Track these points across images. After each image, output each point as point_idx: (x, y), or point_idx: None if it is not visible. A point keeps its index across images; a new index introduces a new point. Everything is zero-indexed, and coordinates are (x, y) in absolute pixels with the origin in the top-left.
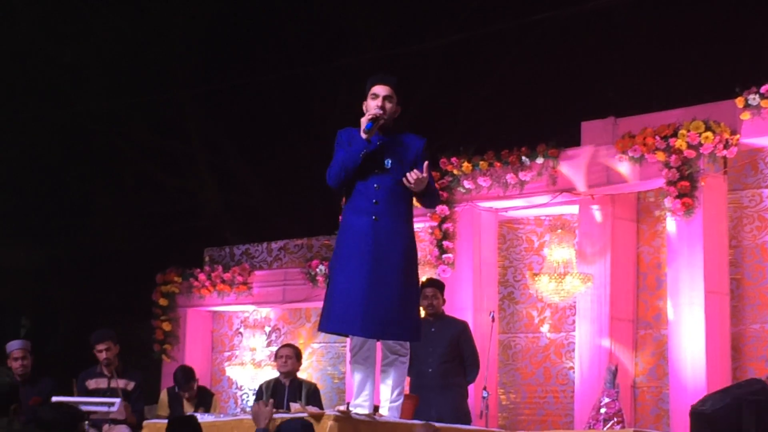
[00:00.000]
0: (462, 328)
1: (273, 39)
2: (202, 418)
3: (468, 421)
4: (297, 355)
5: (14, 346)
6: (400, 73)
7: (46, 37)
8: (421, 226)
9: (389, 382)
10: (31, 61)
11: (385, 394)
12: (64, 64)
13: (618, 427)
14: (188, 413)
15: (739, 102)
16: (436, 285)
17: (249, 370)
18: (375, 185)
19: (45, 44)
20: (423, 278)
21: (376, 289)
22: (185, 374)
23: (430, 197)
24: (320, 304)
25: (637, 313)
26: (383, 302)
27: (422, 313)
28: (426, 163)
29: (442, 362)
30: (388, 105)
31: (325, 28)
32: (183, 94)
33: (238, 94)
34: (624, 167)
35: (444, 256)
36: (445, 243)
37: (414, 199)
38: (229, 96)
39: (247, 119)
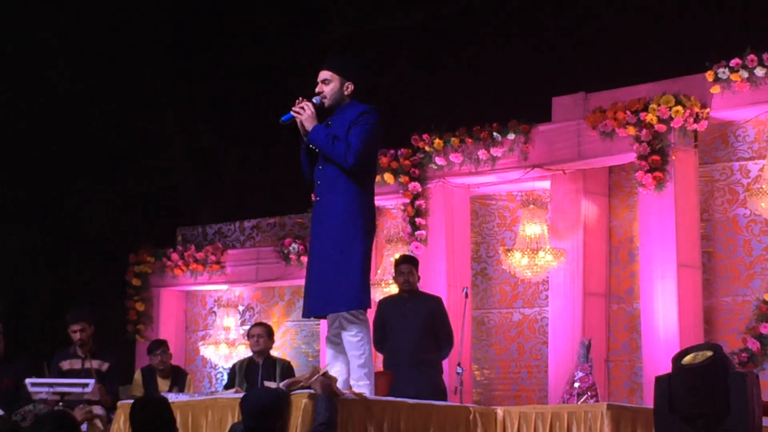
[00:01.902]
0: (436, 303)
1: (246, 17)
2: (177, 397)
3: (444, 398)
4: (269, 333)
5: None
6: (372, 50)
7: (19, 17)
8: (394, 203)
9: (350, 360)
10: (3, 41)
11: (351, 373)
12: (37, 44)
13: (592, 401)
14: (162, 393)
15: (709, 76)
16: (411, 261)
17: (223, 349)
18: (319, 167)
19: (18, 24)
20: (396, 255)
21: (313, 268)
22: (155, 341)
23: (323, 147)
24: (293, 283)
25: (610, 287)
26: (317, 280)
27: (397, 289)
28: (307, 100)
29: (416, 338)
30: (325, 88)
31: (297, 6)
32: (157, 73)
33: (212, 72)
34: (595, 142)
35: (417, 233)
36: (417, 220)
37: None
38: (202, 75)
39: (220, 98)
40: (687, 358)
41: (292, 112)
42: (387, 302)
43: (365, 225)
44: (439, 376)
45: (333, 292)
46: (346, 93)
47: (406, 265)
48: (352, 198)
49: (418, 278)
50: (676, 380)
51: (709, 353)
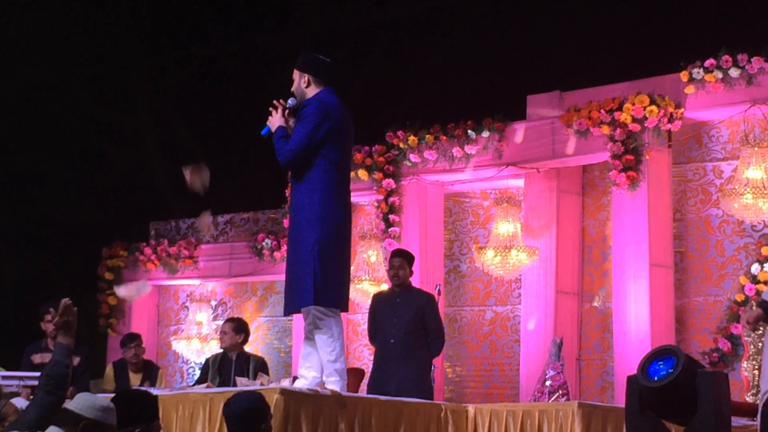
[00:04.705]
0: (427, 300)
1: (221, 11)
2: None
3: (427, 395)
4: (236, 329)
5: None
6: (346, 46)
7: None
8: (367, 199)
9: (320, 357)
10: None
11: (324, 369)
12: (10, 36)
13: (563, 399)
14: (134, 387)
15: (684, 76)
16: (404, 255)
17: (195, 344)
18: None
19: None
20: (370, 251)
21: (286, 268)
22: (129, 334)
23: (276, 145)
24: (266, 278)
25: (582, 286)
26: (286, 278)
27: (388, 283)
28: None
29: (404, 333)
30: (294, 86)
31: (271, 2)
32: (130, 66)
33: (186, 66)
34: (569, 141)
35: (390, 229)
36: (391, 216)
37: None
38: (176, 68)
39: (194, 91)
40: (655, 378)
41: (265, 128)
42: (379, 296)
43: (318, 222)
44: (423, 373)
45: (291, 291)
46: (304, 86)
47: (398, 259)
48: (308, 196)
49: (411, 273)
50: (645, 389)
51: (673, 362)
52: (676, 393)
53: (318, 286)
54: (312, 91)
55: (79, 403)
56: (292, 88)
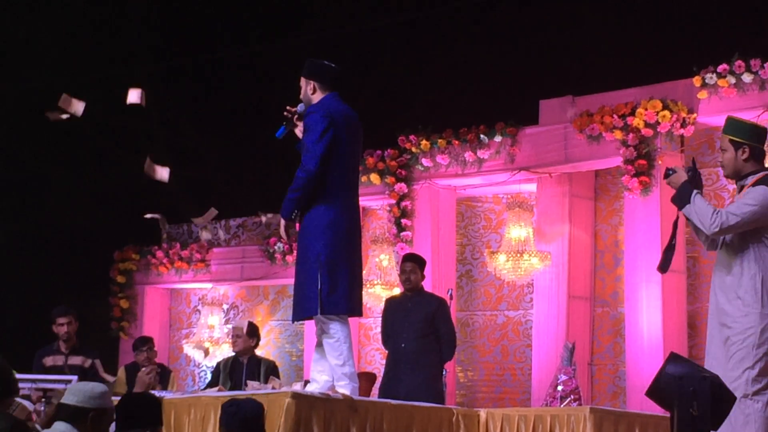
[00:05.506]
0: (439, 304)
1: (231, 15)
2: (160, 395)
3: (438, 400)
4: (249, 333)
5: None
6: (358, 50)
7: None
8: (380, 204)
9: (329, 362)
10: None
11: (333, 374)
12: (19, 40)
13: (575, 404)
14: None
15: (697, 81)
16: (416, 260)
17: (207, 347)
18: None
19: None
20: (382, 255)
21: (295, 274)
22: (141, 338)
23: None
24: (278, 282)
25: (595, 291)
26: (294, 285)
27: (401, 288)
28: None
29: (415, 338)
30: (302, 94)
31: (282, 6)
32: (141, 70)
33: (197, 70)
34: (582, 145)
35: (402, 234)
36: (403, 221)
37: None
38: (187, 72)
39: (205, 95)
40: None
41: (283, 126)
42: (391, 301)
43: (323, 229)
44: (435, 377)
45: (298, 299)
46: (310, 93)
47: (409, 264)
48: (314, 203)
49: (423, 277)
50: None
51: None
52: (660, 397)
53: (323, 295)
54: (318, 98)
55: (77, 396)
56: (300, 96)
